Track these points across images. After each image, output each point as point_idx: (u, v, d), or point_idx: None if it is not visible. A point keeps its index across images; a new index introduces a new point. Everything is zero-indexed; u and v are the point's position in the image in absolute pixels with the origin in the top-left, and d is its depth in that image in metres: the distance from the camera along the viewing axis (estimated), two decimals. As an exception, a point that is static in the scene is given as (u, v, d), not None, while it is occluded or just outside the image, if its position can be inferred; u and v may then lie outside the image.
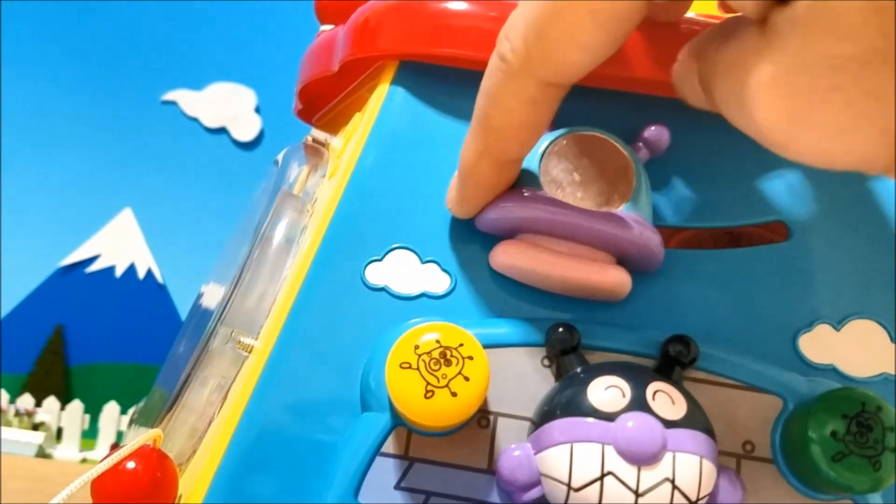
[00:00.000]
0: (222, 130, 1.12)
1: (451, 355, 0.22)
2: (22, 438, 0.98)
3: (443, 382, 0.22)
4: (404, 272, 0.26)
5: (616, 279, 0.25)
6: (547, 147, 0.25)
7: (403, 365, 0.22)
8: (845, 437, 0.22)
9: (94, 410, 1.05)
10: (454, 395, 0.22)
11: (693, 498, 0.21)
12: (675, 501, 0.21)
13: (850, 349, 0.26)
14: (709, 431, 0.22)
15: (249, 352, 0.27)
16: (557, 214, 0.24)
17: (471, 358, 0.22)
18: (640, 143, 0.27)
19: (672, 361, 0.24)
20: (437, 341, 0.22)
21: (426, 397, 0.22)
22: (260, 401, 0.25)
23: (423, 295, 0.26)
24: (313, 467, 0.24)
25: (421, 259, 0.27)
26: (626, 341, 0.25)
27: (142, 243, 1.12)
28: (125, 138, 1.13)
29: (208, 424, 0.30)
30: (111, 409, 1.01)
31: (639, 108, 0.28)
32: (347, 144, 0.30)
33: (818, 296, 0.27)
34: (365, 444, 0.24)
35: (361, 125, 0.29)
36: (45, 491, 0.27)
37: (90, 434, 1.05)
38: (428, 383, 0.22)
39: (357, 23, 0.30)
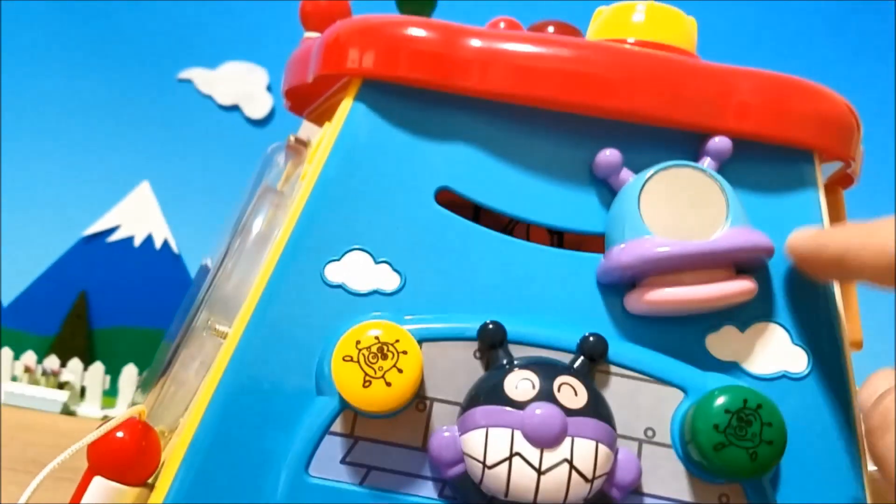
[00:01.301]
0: (235, 108, 1.15)
1: (388, 350, 0.25)
2: (48, 396, 1.02)
3: (379, 374, 0.25)
4: (359, 271, 0.29)
5: (743, 286, 0.27)
6: (642, 186, 0.28)
7: (346, 358, 0.25)
8: (726, 430, 0.24)
9: (114, 371, 1.09)
10: (389, 384, 0.25)
11: (589, 476, 0.24)
12: (572, 479, 0.24)
13: (754, 349, 0.28)
14: (607, 419, 0.25)
15: (223, 337, 0.30)
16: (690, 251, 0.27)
17: (405, 352, 0.25)
18: (707, 157, 0.29)
19: (585, 356, 0.26)
20: (377, 337, 0.25)
21: (364, 386, 0.25)
22: (228, 381, 0.28)
23: (375, 292, 0.29)
24: (272, 444, 0.27)
25: (375, 260, 0.29)
26: (548, 338, 0.27)
27: (158, 215, 1.15)
28: (143, 115, 1.16)
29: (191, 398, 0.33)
30: (129, 370, 1.05)
31: (590, 128, 0.30)
32: (316, 152, 0.33)
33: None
34: (316, 423, 0.27)
35: (327, 136, 0.32)
36: (69, 445, 0.31)
37: (111, 393, 1.09)
38: (366, 374, 0.25)
39: (328, 40, 0.32)
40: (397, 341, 0.25)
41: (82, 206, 1.16)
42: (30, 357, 1.07)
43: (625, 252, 0.27)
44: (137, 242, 1.16)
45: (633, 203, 0.28)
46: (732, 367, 0.28)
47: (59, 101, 1.15)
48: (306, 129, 0.43)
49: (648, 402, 0.27)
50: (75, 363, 1.07)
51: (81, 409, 1.05)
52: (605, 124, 0.29)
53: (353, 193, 0.30)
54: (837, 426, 0.28)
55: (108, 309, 1.14)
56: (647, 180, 0.28)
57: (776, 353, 0.28)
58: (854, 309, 0.34)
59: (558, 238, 0.36)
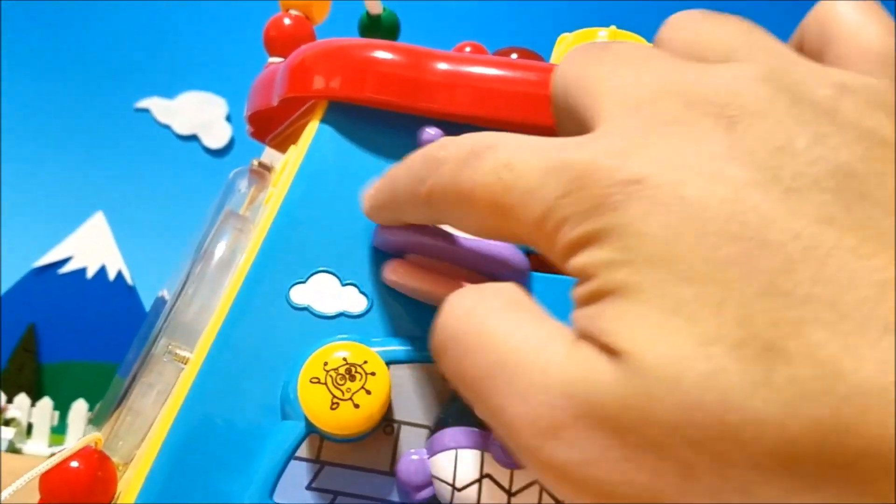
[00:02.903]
0: (193, 138, 1.14)
1: (356, 371, 0.25)
2: None
3: (347, 395, 0.25)
4: (325, 293, 0.29)
5: None
6: None
7: (313, 380, 0.25)
8: None
9: (63, 407, 1.06)
10: (357, 406, 0.25)
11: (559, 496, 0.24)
12: (543, 500, 0.24)
13: None
14: None
15: (185, 363, 0.30)
16: (439, 241, 0.27)
17: (373, 374, 0.25)
18: None
19: None
20: (344, 359, 0.25)
21: (332, 409, 0.25)
22: (190, 407, 0.28)
23: (342, 314, 0.28)
24: (236, 470, 0.27)
25: (341, 282, 0.29)
26: None
27: (113, 246, 1.13)
28: (99, 144, 1.14)
29: (149, 428, 0.32)
30: (79, 406, 1.03)
31: None
32: (281, 175, 0.33)
33: None
34: (281, 448, 0.26)
35: (293, 158, 0.32)
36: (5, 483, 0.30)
37: (59, 430, 1.06)
38: (334, 396, 0.25)
39: (293, 63, 0.32)
40: (365, 362, 0.25)
41: (33, 236, 1.13)
42: None
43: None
44: (90, 274, 1.13)
45: None
46: None
47: (11, 129, 1.13)
48: (269, 155, 0.43)
49: None
50: (22, 399, 1.04)
51: (28, 446, 1.02)
52: None
53: (319, 215, 0.30)
54: None
55: (58, 343, 1.12)
56: None
57: None
58: None
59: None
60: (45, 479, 0.28)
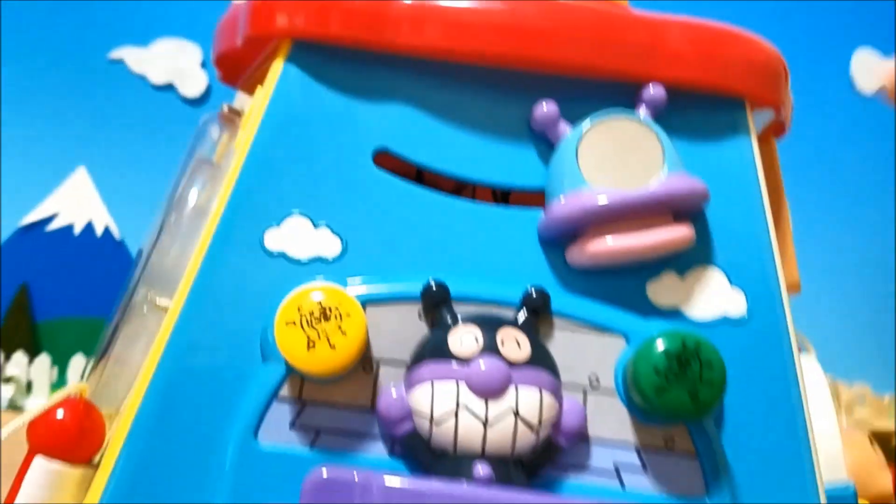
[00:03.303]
0: (169, 87, 1.12)
1: (331, 313, 0.25)
2: None
3: (322, 336, 0.25)
4: (299, 237, 0.29)
5: (682, 232, 0.28)
6: (579, 138, 0.28)
7: (289, 322, 0.25)
8: (667, 373, 0.25)
9: (61, 363, 1.07)
10: (333, 347, 0.25)
11: (534, 425, 0.24)
12: (518, 429, 0.24)
13: (693, 294, 0.29)
14: (551, 369, 0.26)
15: (164, 311, 0.30)
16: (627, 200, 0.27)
17: (348, 315, 0.25)
18: (643, 106, 0.29)
19: (528, 309, 0.27)
20: (318, 301, 0.25)
21: (308, 349, 0.25)
22: (170, 355, 0.28)
23: (317, 259, 0.29)
24: (220, 413, 0.27)
25: (315, 224, 0.29)
26: (492, 294, 0.28)
27: (98, 201, 1.13)
28: (74, 98, 1.13)
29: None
30: (78, 361, 1.04)
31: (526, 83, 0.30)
32: (249, 118, 0.32)
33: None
34: (263, 390, 0.27)
35: (259, 99, 0.31)
36: (13, 440, 0.31)
37: (59, 385, 1.07)
38: (309, 337, 0.25)
39: (255, 2, 0.32)
40: (339, 304, 0.25)
41: (17, 195, 1.12)
42: None
43: (565, 205, 0.28)
44: (77, 230, 1.13)
45: (570, 156, 0.28)
46: (673, 314, 0.29)
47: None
48: (241, 100, 0.43)
49: (592, 352, 0.27)
50: (20, 357, 1.05)
51: (29, 403, 1.04)
52: (541, 78, 0.30)
53: (288, 157, 0.30)
54: (777, 367, 0.29)
55: (52, 300, 1.12)
56: (584, 132, 0.28)
57: (715, 297, 0.29)
58: (790, 251, 0.35)
59: (503, 197, 0.36)
60: (32, 430, 0.29)
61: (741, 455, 0.28)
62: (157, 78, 1.12)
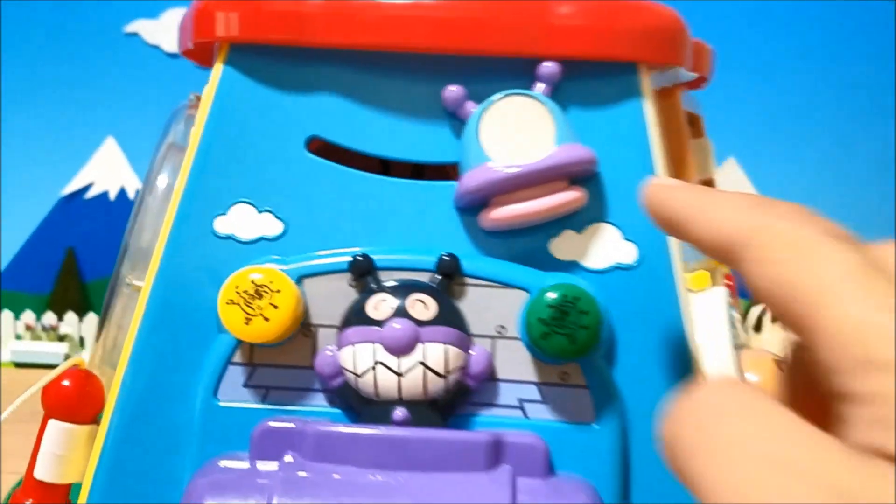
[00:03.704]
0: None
1: (264, 290, 0.29)
2: (51, 350, 1.07)
3: (257, 312, 0.28)
4: (245, 222, 0.32)
5: (571, 196, 0.30)
6: (479, 118, 0.31)
7: (228, 301, 0.29)
8: (550, 321, 0.28)
9: (109, 320, 1.13)
10: (267, 319, 0.28)
11: (442, 373, 0.28)
12: (428, 377, 0.28)
13: (589, 247, 0.31)
14: (457, 325, 0.29)
15: (138, 291, 0.34)
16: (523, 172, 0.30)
17: (279, 291, 0.29)
18: (540, 83, 0.31)
19: (440, 273, 0.30)
20: (253, 281, 0.29)
21: (246, 324, 0.29)
22: (144, 328, 0.32)
23: (261, 239, 0.32)
24: (186, 378, 0.31)
25: (258, 210, 0.32)
26: (412, 262, 0.31)
27: (127, 168, 1.18)
28: (98, 73, 1.16)
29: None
30: (123, 318, 1.09)
31: (438, 65, 0.32)
32: (199, 113, 0.35)
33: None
34: (219, 357, 0.30)
35: (205, 99, 0.34)
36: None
37: (110, 340, 1.14)
38: (246, 314, 0.29)
39: (198, 10, 0.34)
40: (271, 282, 0.29)
41: (56, 169, 1.18)
42: (29, 316, 1.12)
43: (468, 178, 0.30)
44: (112, 196, 1.18)
45: (473, 133, 0.31)
46: (572, 266, 0.31)
47: (13, 71, 1.16)
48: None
49: (499, 305, 0.30)
50: (71, 316, 1.11)
51: (83, 357, 1.10)
52: (449, 60, 0.32)
53: (231, 151, 0.33)
54: (664, 306, 0.31)
55: (96, 262, 1.18)
56: (483, 111, 0.31)
57: (609, 249, 0.31)
58: None
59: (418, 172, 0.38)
60: (44, 398, 0.34)
61: (632, 386, 0.31)
62: (170, 47, 1.15)
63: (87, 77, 1.15)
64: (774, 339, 0.51)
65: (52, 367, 0.90)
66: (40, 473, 0.34)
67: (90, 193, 1.18)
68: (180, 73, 1.15)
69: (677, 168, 0.35)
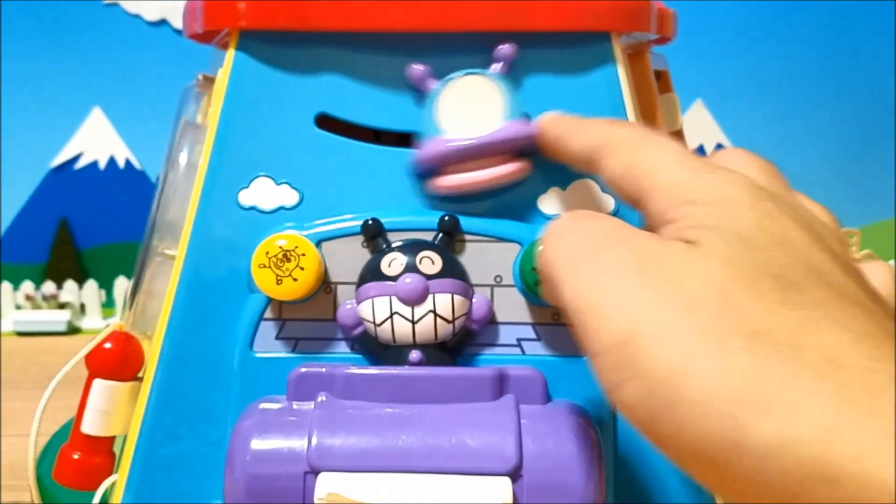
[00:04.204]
0: (163, 22, 1.14)
1: (291, 254, 0.32)
2: (53, 318, 1.07)
3: (286, 273, 0.31)
4: (265, 193, 0.35)
5: (510, 168, 0.33)
6: (437, 95, 0.33)
7: (260, 265, 0.32)
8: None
9: (107, 285, 1.15)
10: (295, 280, 0.32)
11: (449, 319, 0.31)
12: (438, 323, 0.31)
13: (573, 202, 0.34)
14: (460, 276, 0.32)
15: (172, 259, 0.36)
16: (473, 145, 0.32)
17: (304, 254, 0.32)
18: (496, 63, 0.33)
19: (442, 232, 0.33)
20: (281, 246, 0.32)
21: (277, 284, 0.32)
22: (182, 293, 0.35)
23: (280, 208, 0.34)
24: (220, 333, 0.34)
25: (276, 182, 0.35)
26: (416, 223, 0.33)
27: (115, 137, 1.17)
28: (80, 45, 1.15)
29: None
30: (121, 282, 1.11)
31: (405, 44, 0.34)
32: (215, 94, 0.37)
33: (551, 167, 0.33)
34: (252, 313, 0.33)
35: (219, 84, 0.36)
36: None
37: (108, 304, 1.16)
38: (277, 276, 0.32)
39: (205, 2, 0.36)
40: (297, 247, 0.32)
41: (44, 140, 1.17)
42: (28, 286, 1.12)
43: (423, 149, 0.33)
44: (102, 165, 1.18)
45: (430, 108, 0.33)
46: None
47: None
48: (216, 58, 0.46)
49: (495, 257, 0.33)
50: (70, 284, 1.12)
51: (85, 323, 1.11)
52: (421, 39, 0.34)
53: (248, 130, 0.35)
54: None
55: (90, 230, 1.19)
56: (442, 87, 0.33)
57: (589, 202, 0.34)
58: None
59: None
60: (88, 360, 0.36)
61: None
62: (150, 16, 1.14)
63: (71, 50, 1.14)
64: None
65: (54, 334, 0.92)
66: (87, 428, 0.36)
67: (79, 164, 1.18)
68: (161, 42, 1.14)
69: (649, 125, 0.37)
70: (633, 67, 0.38)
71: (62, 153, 1.18)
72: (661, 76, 0.45)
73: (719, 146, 1.19)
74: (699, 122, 1.21)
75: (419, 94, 0.34)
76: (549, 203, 0.35)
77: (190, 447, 0.34)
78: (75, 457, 0.37)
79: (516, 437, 0.28)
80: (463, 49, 0.34)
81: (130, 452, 0.35)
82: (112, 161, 1.18)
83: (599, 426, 0.31)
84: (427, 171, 0.34)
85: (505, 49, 0.33)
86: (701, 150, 1.18)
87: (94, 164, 1.18)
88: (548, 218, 0.34)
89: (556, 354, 0.33)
